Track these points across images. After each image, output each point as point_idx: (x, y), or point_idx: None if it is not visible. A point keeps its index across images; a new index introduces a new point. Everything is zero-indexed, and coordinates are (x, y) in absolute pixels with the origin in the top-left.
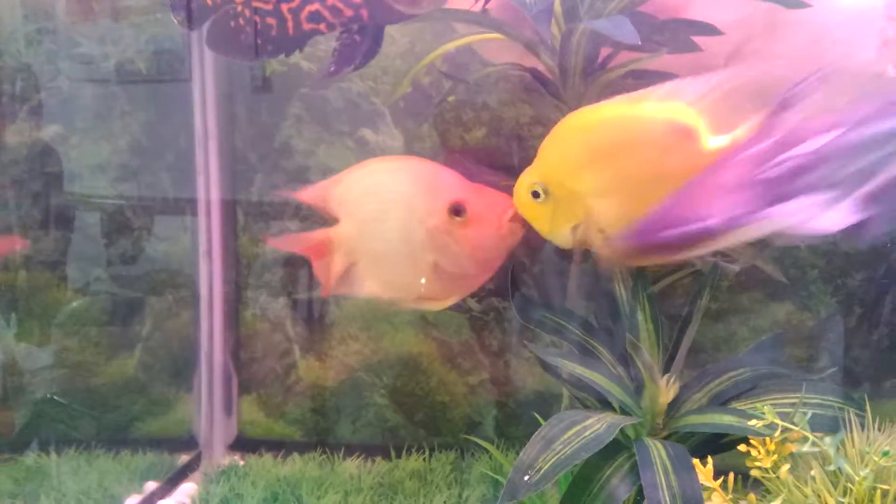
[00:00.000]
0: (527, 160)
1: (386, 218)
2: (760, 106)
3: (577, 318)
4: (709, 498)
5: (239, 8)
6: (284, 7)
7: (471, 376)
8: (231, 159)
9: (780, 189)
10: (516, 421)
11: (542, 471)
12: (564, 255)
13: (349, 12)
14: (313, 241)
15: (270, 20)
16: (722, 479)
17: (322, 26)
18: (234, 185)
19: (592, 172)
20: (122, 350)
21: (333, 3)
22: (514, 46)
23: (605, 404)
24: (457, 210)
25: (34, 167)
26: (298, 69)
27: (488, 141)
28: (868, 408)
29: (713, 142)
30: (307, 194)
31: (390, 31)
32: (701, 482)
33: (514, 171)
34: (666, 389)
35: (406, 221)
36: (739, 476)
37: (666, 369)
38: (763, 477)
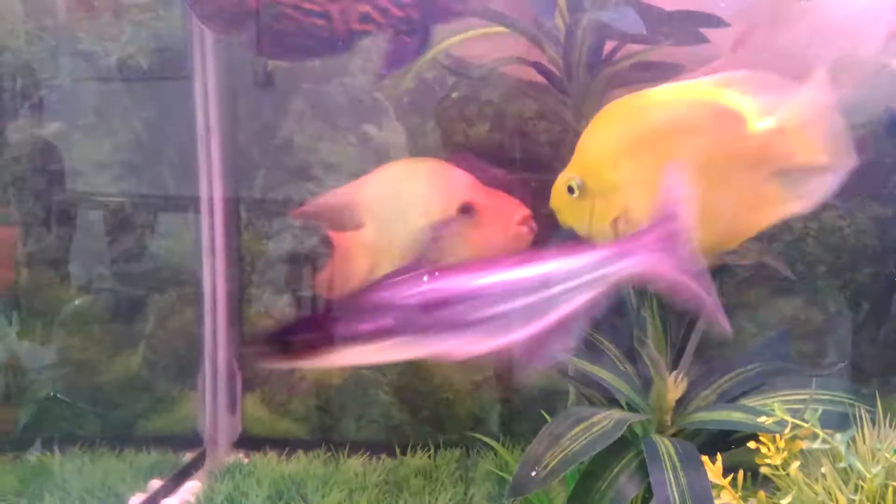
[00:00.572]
0: (531, 155)
1: (405, 219)
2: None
3: None
4: (718, 495)
5: (284, 10)
6: (333, 8)
7: (475, 373)
8: (233, 156)
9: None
10: (521, 418)
11: (550, 467)
12: None
13: (399, 13)
14: (337, 244)
15: (319, 21)
16: (731, 476)
17: (371, 27)
18: (236, 181)
19: (632, 161)
20: (126, 348)
21: (384, 5)
22: (518, 40)
23: (612, 401)
24: (467, 210)
25: (36, 164)
26: (300, 65)
27: (492, 136)
28: (879, 404)
29: (759, 125)
30: (329, 199)
31: None
32: (710, 479)
33: (518, 166)
34: (674, 386)
35: (422, 223)
36: (749, 473)
37: (674, 366)
38: (773, 474)
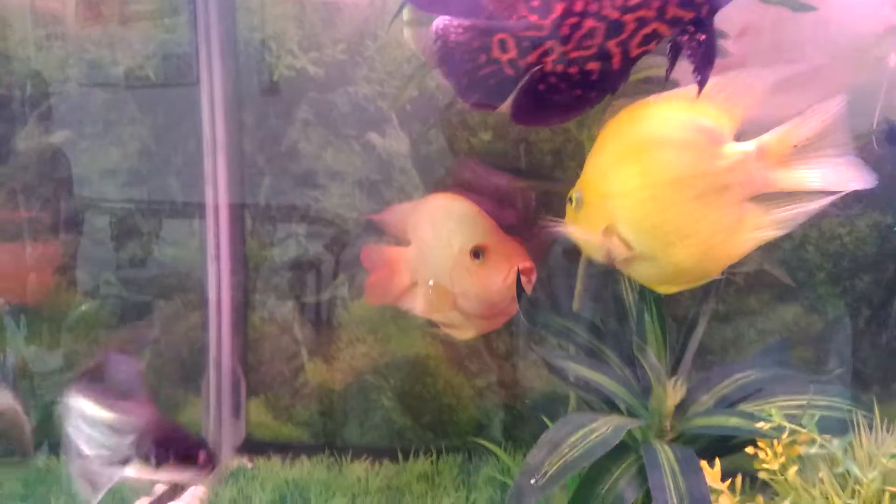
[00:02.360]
0: (533, 164)
1: (439, 247)
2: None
3: (583, 320)
4: (717, 500)
5: (549, 67)
6: (611, 44)
7: (478, 379)
8: (239, 163)
9: None
10: (523, 423)
11: (549, 474)
12: (571, 257)
13: (689, 15)
14: (386, 256)
15: (591, 65)
16: (730, 481)
17: (652, 45)
18: (242, 188)
19: (618, 173)
20: (131, 353)
21: (673, 14)
22: None
23: (612, 407)
24: (476, 253)
25: (44, 172)
26: (305, 73)
27: (494, 145)
28: (876, 410)
29: (739, 147)
30: (386, 216)
31: (397, 34)
32: (709, 484)
33: (520, 175)
34: (673, 392)
35: (448, 253)
36: (747, 478)
37: (673, 372)
38: (771, 479)
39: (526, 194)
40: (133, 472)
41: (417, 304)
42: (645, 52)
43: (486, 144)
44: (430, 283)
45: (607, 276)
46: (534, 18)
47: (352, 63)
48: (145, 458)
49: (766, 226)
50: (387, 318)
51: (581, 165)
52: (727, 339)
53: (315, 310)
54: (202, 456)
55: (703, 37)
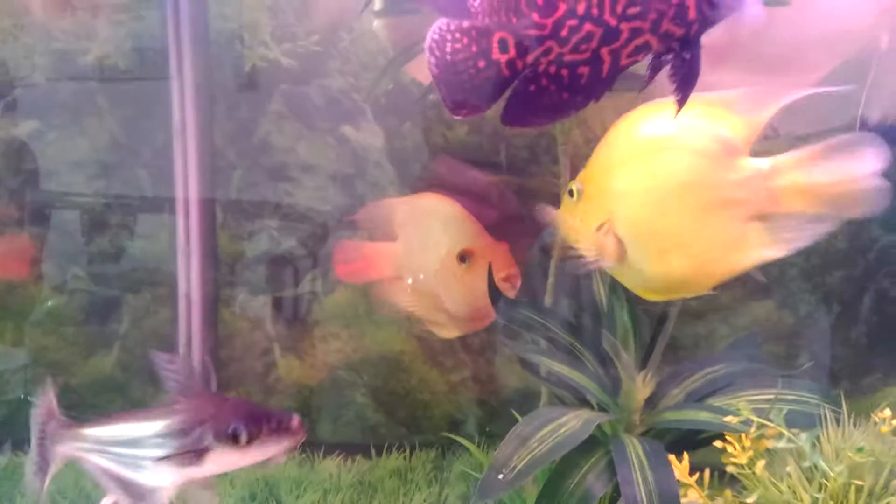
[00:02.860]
0: (508, 158)
1: (426, 248)
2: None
3: (556, 315)
4: (685, 494)
5: (542, 68)
6: (605, 50)
7: (452, 374)
8: (210, 156)
9: None
10: (498, 419)
11: (517, 469)
12: (545, 252)
13: (680, 32)
14: (373, 252)
15: (582, 69)
16: (698, 475)
17: (640, 56)
18: (213, 182)
19: (625, 170)
20: (100, 349)
21: (666, 29)
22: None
23: (583, 401)
24: (463, 257)
25: (10, 164)
26: (279, 65)
27: (470, 138)
28: (844, 404)
29: (753, 162)
30: (371, 211)
31: (370, 26)
32: (677, 478)
33: (495, 169)
34: (643, 386)
35: (436, 255)
36: (715, 472)
37: (643, 366)
38: (739, 473)
39: (504, 190)
40: (213, 464)
41: (401, 299)
42: (632, 63)
43: (461, 138)
44: (410, 281)
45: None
46: (535, 17)
47: (326, 55)
48: (232, 439)
49: (768, 245)
50: (360, 314)
51: (554, 160)
52: (699, 335)
53: (288, 305)
54: (295, 420)
55: (689, 56)
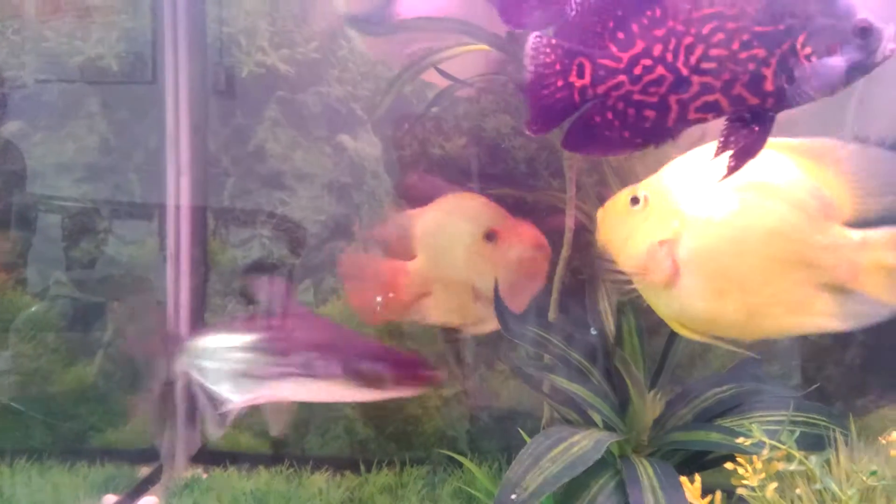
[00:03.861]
0: (506, 170)
1: (450, 246)
2: None
3: (560, 331)
4: None
5: (611, 101)
6: (673, 98)
7: (444, 389)
8: (203, 162)
9: None
10: (490, 435)
11: (530, 489)
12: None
13: (753, 101)
14: (388, 271)
15: (648, 112)
16: (709, 497)
17: (710, 116)
18: (205, 188)
19: (711, 197)
20: (82, 357)
21: (738, 93)
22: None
23: (586, 419)
24: (489, 236)
25: None
26: (275, 72)
27: (468, 150)
28: (853, 426)
29: (843, 231)
30: (385, 230)
31: (370, 38)
32: (688, 500)
33: (493, 181)
34: (652, 405)
35: (462, 247)
36: (724, 494)
37: (651, 385)
38: (749, 495)
39: (497, 201)
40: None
41: (433, 314)
42: (700, 121)
43: (459, 150)
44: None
45: (583, 285)
46: (614, 49)
47: (324, 62)
48: (356, 375)
49: (832, 317)
50: (352, 326)
51: (554, 174)
52: (695, 352)
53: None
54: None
55: (757, 128)
